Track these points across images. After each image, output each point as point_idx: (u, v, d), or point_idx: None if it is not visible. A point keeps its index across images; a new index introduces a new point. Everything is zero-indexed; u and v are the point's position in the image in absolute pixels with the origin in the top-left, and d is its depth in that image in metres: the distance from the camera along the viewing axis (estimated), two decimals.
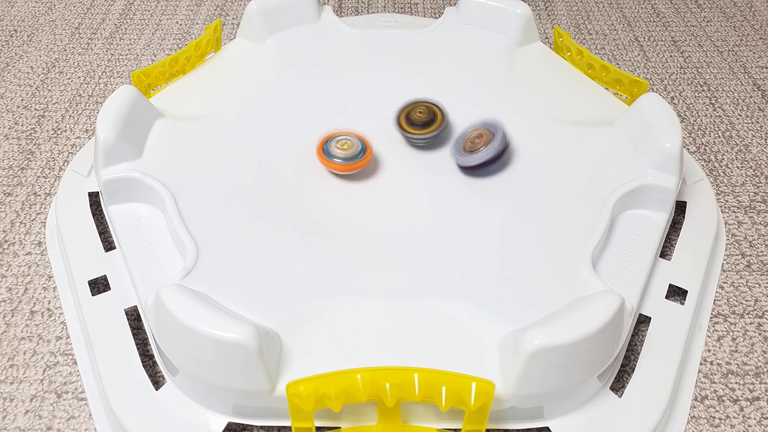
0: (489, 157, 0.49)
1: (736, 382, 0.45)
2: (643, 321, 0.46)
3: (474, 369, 0.38)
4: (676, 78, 0.73)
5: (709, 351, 0.46)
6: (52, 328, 0.47)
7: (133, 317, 0.45)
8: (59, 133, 0.65)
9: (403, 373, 0.36)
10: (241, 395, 0.38)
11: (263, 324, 0.39)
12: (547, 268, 0.44)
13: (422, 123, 0.52)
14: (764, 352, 0.47)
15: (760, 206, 0.58)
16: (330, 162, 0.49)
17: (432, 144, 0.53)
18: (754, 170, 0.61)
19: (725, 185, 0.60)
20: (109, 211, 0.49)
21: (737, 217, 0.57)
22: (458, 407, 0.36)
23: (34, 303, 0.49)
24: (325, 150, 0.50)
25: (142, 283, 0.44)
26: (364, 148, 0.50)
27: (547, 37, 0.80)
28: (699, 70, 0.75)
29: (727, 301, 0.50)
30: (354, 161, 0.49)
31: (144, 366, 0.42)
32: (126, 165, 0.49)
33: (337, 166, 0.49)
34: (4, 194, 0.58)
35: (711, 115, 0.68)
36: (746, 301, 0.50)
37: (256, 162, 0.51)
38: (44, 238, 0.54)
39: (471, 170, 0.51)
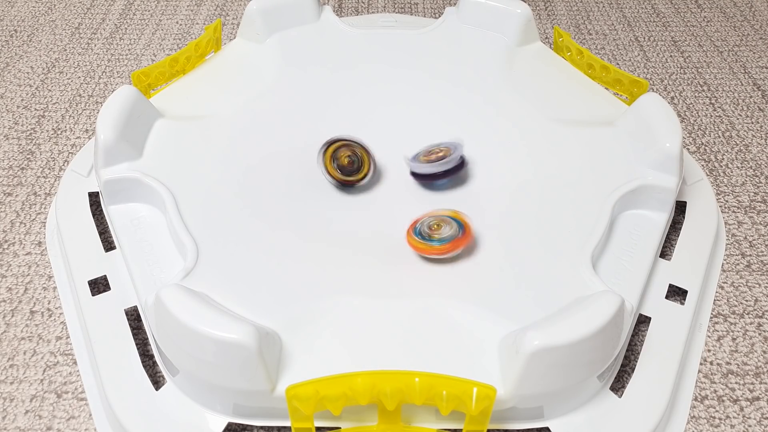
0: (441, 169, 0.48)
1: (736, 382, 0.45)
2: (643, 321, 0.46)
3: (474, 369, 0.38)
4: (676, 78, 0.73)
5: (709, 351, 0.46)
6: (52, 328, 0.47)
7: (133, 317, 0.45)
8: (59, 133, 0.64)
9: (404, 378, 0.36)
10: (241, 395, 0.38)
11: (263, 324, 0.39)
12: (547, 268, 0.44)
13: (349, 170, 0.49)
14: (764, 352, 0.46)
15: (760, 206, 0.58)
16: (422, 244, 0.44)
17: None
18: (754, 170, 0.61)
19: (725, 185, 0.60)
20: (109, 211, 0.49)
21: (737, 217, 0.57)
22: (459, 410, 0.36)
23: (34, 303, 0.49)
24: (417, 232, 0.45)
25: (142, 283, 0.44)
26: (462, 226, 0.44)
27: (547, 37, 0.80)
28: (699, 70, 0.75)
29: (727, 301, 0.50)
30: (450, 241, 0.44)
31: (144, 366, 0.42)
32: (126, 165, 0.49)
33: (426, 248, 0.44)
34: (4, 194, 0.58)
35: (711, 115, 0.68)
36: (746, 301, 0.50)
37: (257, 162, 0.51)
38: (44, 238, 0.54)
39: (422, 179, 0.50)
